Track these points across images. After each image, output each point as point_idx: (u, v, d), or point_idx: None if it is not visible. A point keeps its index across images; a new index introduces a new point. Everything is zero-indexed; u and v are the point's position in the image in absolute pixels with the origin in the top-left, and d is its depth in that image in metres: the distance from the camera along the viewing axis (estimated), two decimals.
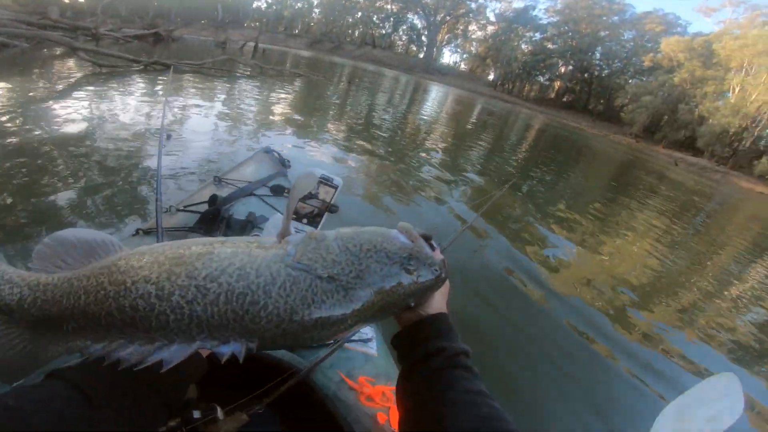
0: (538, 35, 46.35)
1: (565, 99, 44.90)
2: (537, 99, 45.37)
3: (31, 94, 4.24)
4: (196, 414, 0.52)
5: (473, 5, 50.86)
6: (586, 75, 43.23)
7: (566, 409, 1.76)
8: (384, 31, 54.91)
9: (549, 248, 3.62)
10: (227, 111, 5.47)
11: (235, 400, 0.60)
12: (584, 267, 3.52)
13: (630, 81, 38.39)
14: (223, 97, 6.70)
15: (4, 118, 3.22)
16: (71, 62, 6.98)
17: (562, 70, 45.29)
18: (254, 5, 50.47)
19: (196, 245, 0.42)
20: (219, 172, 1.73)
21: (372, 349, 0.92)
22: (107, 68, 6.83)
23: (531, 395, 1.78)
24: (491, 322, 2.21)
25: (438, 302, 0.53)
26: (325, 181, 1.04)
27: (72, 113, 3.82)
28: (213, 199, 1.16)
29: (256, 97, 7.38)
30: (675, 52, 32.14)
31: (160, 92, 5.69)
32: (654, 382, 2.08)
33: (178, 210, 1.23)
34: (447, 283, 0.54)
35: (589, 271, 3.44)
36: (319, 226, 1.05)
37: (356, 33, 54.90)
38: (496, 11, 50.06)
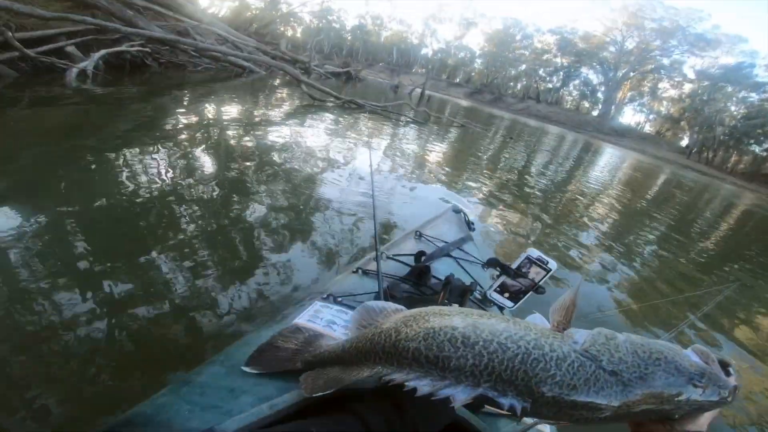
0: (754, 95, 37.91)
1: None
2: (747, 173, 36.21)
3: (266, 115, 5.45)
4: None
5: (665, 61, 44.82)
6: None
7: None
8: (551, 86, 52.78)
9: None
10: (400, 157, 5.79)
11: None
12: None
13: None
14: (398, 140, 7.22)
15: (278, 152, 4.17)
16: (286, 91, 8.67)
17: None
18: (422, 51, 55.48)
19: (487, 316, 0.49)
20: (414, 226, 1.80)
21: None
22: (319, 101, 8.34)
23: None
24: None
25: (700, 422, 0.49)
26: (539, 262, 1.08)
27: (289, 139, 4.72)
28: (420, 255, 1.26)
29: (419, 143, 7.69)
30: None
31: (350, 128, 6.60)
32: None
33: (388, 257, 1.33)
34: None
35: None
36: (519, 303, 1.10)
37: (518, 86, 54.24)
38: (696, 67, 43.01)
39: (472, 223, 1.96)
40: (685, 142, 42.90)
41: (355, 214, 3.00)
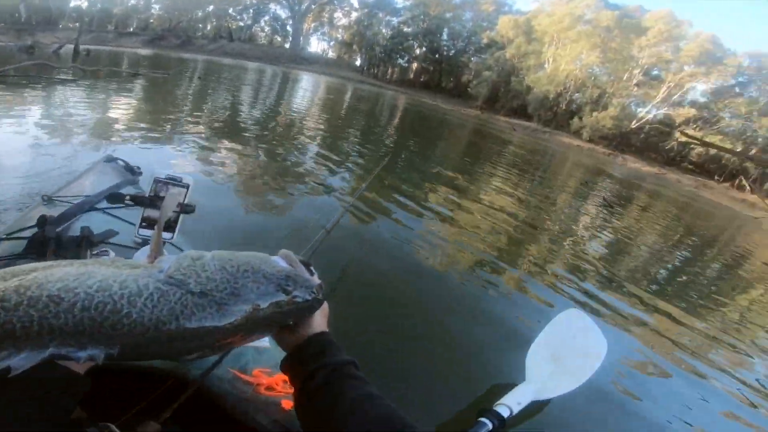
0: (395, 19, 48.72)
1: (422, 79, 48.43)
2: (399, 81, 48.01)
3: None
4: None
5: None
6: (437, 55, 47.05)
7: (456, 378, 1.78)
8: (243, 24, 51.75)
9: (422, 218, 3.82)
10: (50, 122, 4.66)
11: (128, 417, 0.59)
12: (454, 231, 3.76)
13: (472, 59, 43.33)
14: (41, 107, 5.70)
15: None
16: None
17: (418, 51, 48.53)
18: (72, 4, 42.18)
19: (53, 266, 0.43)
20: (49, 191, 1.53)
21: (264, 342, 0.86)
22: None
23: (414, 376, 1.72)
24: (372, 304, 2.22)
25: (318, 322, 0.55)
26: (172, 181, 0.97)
27: None
28: (42, 221, 1.01)
29: (88, 103, 6.51)
30: (507, 30, 37.06)
31: None
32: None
33: (1, 239, 1.09)
34: (326, 304, 0.58)
35: (456, 232, 3.71)
36: (176, 231, 1.00)
37: (208, 27, 50.47)
38: None
39: (138, 168, 1.77)
40: (358, 62, 52.29)
41: None
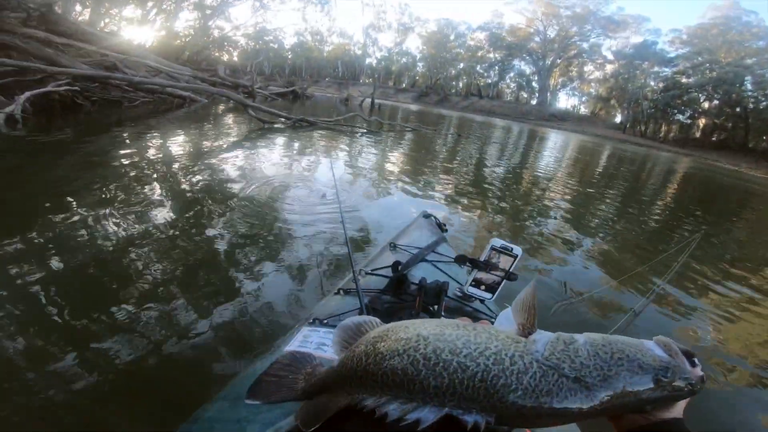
0: (666, 69, 41.79)
1: (714, 138, 38.32)
2: (678, 140, 39.69)
3: (215, 144, 5.23)
4: None
5: (585, 45, 48.49)
6: (737, 109, 36.56)
7: None
8: (490, 81, 55.29)
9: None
10: (360, 166, 5.77)
11: None
12: None
13: None
14: (356, 153, 7.17)
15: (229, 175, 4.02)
16: (232, 117, 8.43)
17: (706, 105, 39.27)
18: (366, 61, 56.08)
19: (453, 327, 0.49)
20: (388, 237, 1.87)
21: None
22: (267, 125, 8.10)
23: None
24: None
25: (676, 409, 0.50)
26: (504, 250, 1.10)
27: (247, 166, 4.60)
28: (396, 265, 1.26)
29: (378, 152, 7.70)
30: None
31: (307, 147, 6.43)
32: None
33: (367, 273, 1.37)
34: None
35: None
36: (496, 293, 1.14)
37: (460, 84, 56.41)
38: (613, 48, 46.76)
39: (444, 225, 2.01)
40: (618, 119, 46.38)
41: (326, 233, 2.93)
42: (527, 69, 53.53)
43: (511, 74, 54.75)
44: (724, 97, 37.00)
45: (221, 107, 9.65)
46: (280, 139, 7.11)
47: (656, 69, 42.79)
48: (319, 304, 1.36)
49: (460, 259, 1.22)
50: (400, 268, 1.26)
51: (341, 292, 1.28)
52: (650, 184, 11.95)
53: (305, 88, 19.81)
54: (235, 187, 3.77)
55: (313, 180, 4.48)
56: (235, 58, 38.01)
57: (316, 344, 0.86)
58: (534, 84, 52.97)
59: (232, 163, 4.71)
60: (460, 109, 45.39)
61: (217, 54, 33.95)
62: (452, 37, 55.24)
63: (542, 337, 0.49)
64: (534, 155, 13.81)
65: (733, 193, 13.95)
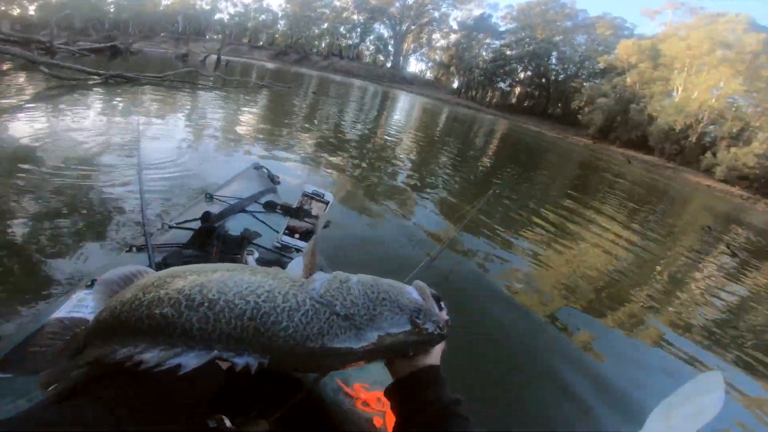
0: (497, 42, 47.81)
1: (525, 104, 46.49)
2: (499, 105, 46.72)
3: None
4: (212, 423, 0.52)
5: (436, 14, 52.06)
6: (543, 80, 44.93)
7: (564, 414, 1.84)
8: (351, 42, 55.22)
9: (523, 254, 3.74)
10: (197, 124, 5.47)
11: (243, 412, 0.63)
12: (559, 270, 3.66)
13: (585, 84, 40.18)
14: (190, 110, 6.70)
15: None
16: (24, 76, 6.76)
17: (522, 75, 46.88)
18: (216, 17, 49.57)
19: (228, 269, 0.47)
20: (209, 189, 1.73)
21: None
22: (67, 82, 6.69)
23: (530, 407, 1.83)
24: (480, 337, 2.22)
25: (433, 355, 0.55)
26: (315, 196, 1.11)
27: (39, 129, 3.81)
28: (206, 216, 1.16)
29: (224, 109, 7.39)
30: (629, 54, 34.05)
31: (121, 105, 5.69)
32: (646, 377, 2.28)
33: (171, 227, 1.25)
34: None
35: (562, 273, 3.60)
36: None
37: (323, 44, 54.95)
38: (458, 19, 51.42)
39: (277, 177, 1.98)
40: (456, 84, 52.22)
41: (126, 190, 2.73)
42: (386, 33, 55.21)
43: (371, 37, 55.66)
44: (535, 69, 44.81)
45: (5, 66, 7.49)
46: (94, 98, 6.03)
47: (489, 41, 48.60)
48: (103, 264, 1.25)
49: (269, 206, 1.18)
50: (210, 219, 1.16)
51: (134, 249, 1.15)
52: (478, 141, 14.38)
53: (131, 43, 16.70)
54: (27, 153, 3.16)
55: (118, 138, 4.02)
56: (32, 12, 28.86)
57: (92, 308, 0.68)
58: (390, 48, 55.11)
59: (22, 126, 3.86)
60: (320, 68, 44.41)
61: (3, 7, 25.49)
62: None
63: (321, 277, 0.49)
64: (387, 113, 14.97)
65: (537, 149, 17.72)
